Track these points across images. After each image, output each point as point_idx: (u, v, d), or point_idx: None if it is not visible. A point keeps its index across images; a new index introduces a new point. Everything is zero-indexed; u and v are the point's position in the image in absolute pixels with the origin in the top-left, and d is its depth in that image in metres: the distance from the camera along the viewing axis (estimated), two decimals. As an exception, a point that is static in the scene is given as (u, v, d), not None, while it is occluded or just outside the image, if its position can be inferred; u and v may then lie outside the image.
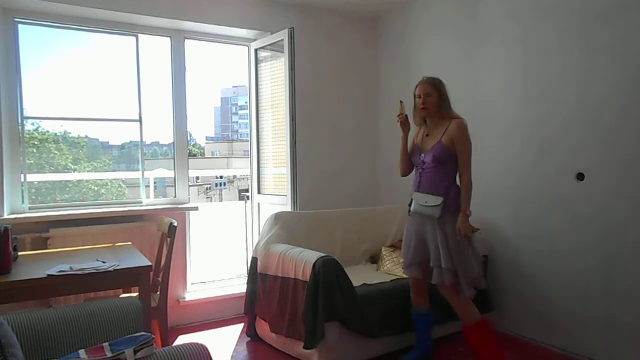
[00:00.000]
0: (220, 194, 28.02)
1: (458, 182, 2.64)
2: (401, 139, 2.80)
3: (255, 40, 4.00)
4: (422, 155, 2.68)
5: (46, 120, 6.31)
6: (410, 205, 2.73)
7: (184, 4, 3.57)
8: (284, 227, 3.36)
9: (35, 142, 5.77)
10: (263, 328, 3.22)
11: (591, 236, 2.87)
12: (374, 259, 3.66)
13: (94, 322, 1.79)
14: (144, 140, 3.64)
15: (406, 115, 2.77)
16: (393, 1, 4.09)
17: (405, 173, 2.85)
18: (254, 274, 3.27)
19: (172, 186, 3.85)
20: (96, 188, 8.36)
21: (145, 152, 3.75)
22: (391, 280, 3.14)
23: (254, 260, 3.30)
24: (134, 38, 3.59)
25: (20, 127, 3.24)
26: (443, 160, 2.59)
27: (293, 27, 3.61)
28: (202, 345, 1.63)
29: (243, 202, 4.70)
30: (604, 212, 2.80)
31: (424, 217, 2.63)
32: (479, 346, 2.63)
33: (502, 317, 3.42)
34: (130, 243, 3.11)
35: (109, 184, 8.69)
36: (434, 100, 2.63)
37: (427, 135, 2.71)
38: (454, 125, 2.60)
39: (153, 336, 1.60)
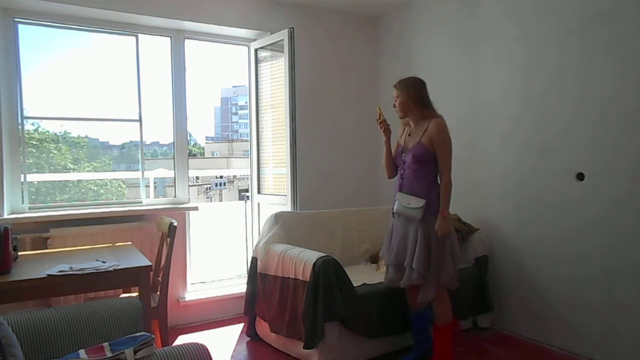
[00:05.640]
0: (220, 194, 28.02)
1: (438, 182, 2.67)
2: (384, 143, 2.83)
3: (255, 40, 4.00)
4: (404, 155, 2.70)
5: (46, 120, 6.31)
6: (393, 206, 2.74)
7: (184, 4, 3.57)
8: (284, 227, 3.36)
9: (35, 142, 5.77)
10: (263, 328, 3.22)
11: (592, 235, 2.87)
12: (374, 259, 3.66)
13: (94, 322, 1.79)
14: (144, 140, 3.64)
15: (385, 120, 2.80)
16: (393, 1, 4.09)
17: (391, 175, 2.87)
18: (254, 274, 3.27)
19: (172, 186, 3.84)
20: (96, 188, 8.36)
21: (145, 152, 3.75)
22: (391, 280, 3.14)
23: (254, 260, 3.30)
24: (134, 38, 3.59)
25: (20, 127, 3.24)
26: (423, 161, 2.61)
27: (293, 27, 3.61)
28: (202, 345, 1.63)
29: (243, 202, 4.70)
30: (605, 212, 2.80)
31: (407, 218, 2.64)
32: (439, 345, 2.72)
33: (502, 317, 3.42)
34: (130, 243, 3.11)
35: (109, 184, 8.69)
36: (402, 101, 2.66)
37: (409, 135, 2.73)
38: (432, 125, 2.61)
39: (153, 336, 1.59)
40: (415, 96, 2.64)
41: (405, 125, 2.81)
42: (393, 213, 2.77)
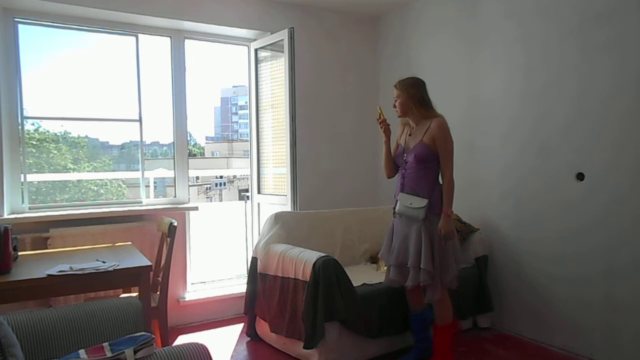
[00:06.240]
0: (220, 194, 28.03)
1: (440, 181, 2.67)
2: (384, 143, 2.82)
3: (255, 40, 4.00)
4: (405, 155, 2.71)
5: (46, 120, 6.30)
6: (395, 206, 2.74)
7: (184, 4, 3.57)
8: (284, 227, 3.36)
9: (35, 142, 5.77)
10: (263, 328, 3.22)
11: (592, 235, 2.87)
12: (374, 259, 3.66)
13: (94, 322, 1.79)
14: (144, 140, 3.64)
15: (386, 120, 2.79)
16: (393, 1, 4.09)
17: (391, 175, 2.87)
18: (254, 274, 3.27)
19: (172, 186, 3.84)
20: (96, 188, 8.35)
21: (145, 152, 3.75)
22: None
23: (254, 260, 3.30)
24: (134, 38, 3.59)
25: (20, 127, 3.24)
26: (425, 160, 2.61)
27: (293, 27, 3.61)
28: (202, 345, 1.63)
29: (243, 202, 4.70)
30: (605, 212, 2.80)
31: (409, 218, 2.64)
32: (439, 345, 2.73)
33: (502, 317, 3.42)
34: (130, 243, 3.11)
35: (108, 184, 8.68)
36: (402, 101, 2.67)
37: (409, 135, 2.74)
38: (434, 125, 2.62)
39: (153, 336, 1.59)
40: (415, 96, 2.65)
41: (405, 126, 2.82)
42: (394, 213, 2.77)
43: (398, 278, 2.72)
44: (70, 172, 7.51)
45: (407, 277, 2.65)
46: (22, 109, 3.25)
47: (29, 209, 3.26)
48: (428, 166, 2.63)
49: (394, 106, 2.72)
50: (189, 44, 3.83)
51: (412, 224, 2.64)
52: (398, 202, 2.69)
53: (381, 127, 2.80)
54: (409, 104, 2.66)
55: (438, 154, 2.62)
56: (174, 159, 3.80)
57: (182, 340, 3.36)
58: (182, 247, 3.69)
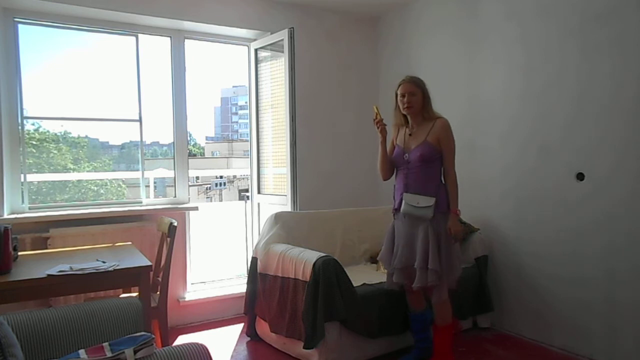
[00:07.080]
0: (220, 194, 28.03)
1: (442, 181, 2.67)
2: (380, 144, 2.77)
3: (255, 40, 4.00)
4: (407, 155, 2.68)
5: (46, 120, 6.30)
6: (397, 208, 2.71)
7: (184, 4, 3.57)
8: (284, 227, 3.36)
9: (35, 142, 5.76)
10: (263, 328, 3.22)
11: (592, 236, 2.87)
12: (374, 259, 3.66)
13: (94, 322, 1.79)
14: (144, 140, 3.64)
15: (382, 119, 2.74)
16: (393, 1, 4.09)
17: (387, 177, 2.83)
18: (254, 274, 3.27)
19: (172, 186, 3.85)
20: (96, 188, 8.34)
21: (145, 152, 3.75)
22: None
23: (254, 260, 3.30)
24: (134, 38, 3.59)
25: (20, 127, 3.24)
26: (430, 160, 2.61)
27: (293, 27, 3.61)
28: (202, 345, 1.63)
29: (243, 202, 4.70)
30: (605, 212, 2.80)
31: (415, 218, 2.63)
32: (439, 345, 2.72)
33: (502, 317, 3.42)
34: (130, 243, 3.11)
35: (108, 184, 8.67)
36: (419, 99, 2.63)
37: (410, 135, 2.71)
38: (439, 124, 2.62)
39: (153, 336, 1.59)
40: (428, 95, 2.66)
41: (399, 127, 2.79)
42: (394, 214, 2.76)
43: (404, 280, 2.70)
44: (70, 172, 7.50)
45: (413, 278, 2.62)
46: (22, 109, 3.25)
47: (29, 209, 3.26)
48: (432, 165, 2.63)
49: (409, 102, 2.61)
50: (189, 44, 3.84)
51: (419, 224, 2.62)
52: (403, 203, 2.64)
53: (377, 127, 2.76)
54: (423, 103, 2.65)
55: (441, 154, 2.62)
56: (174, 159, 3.80)
57: (182, 340, 3.36)
58: (182, 247, 3.69)
